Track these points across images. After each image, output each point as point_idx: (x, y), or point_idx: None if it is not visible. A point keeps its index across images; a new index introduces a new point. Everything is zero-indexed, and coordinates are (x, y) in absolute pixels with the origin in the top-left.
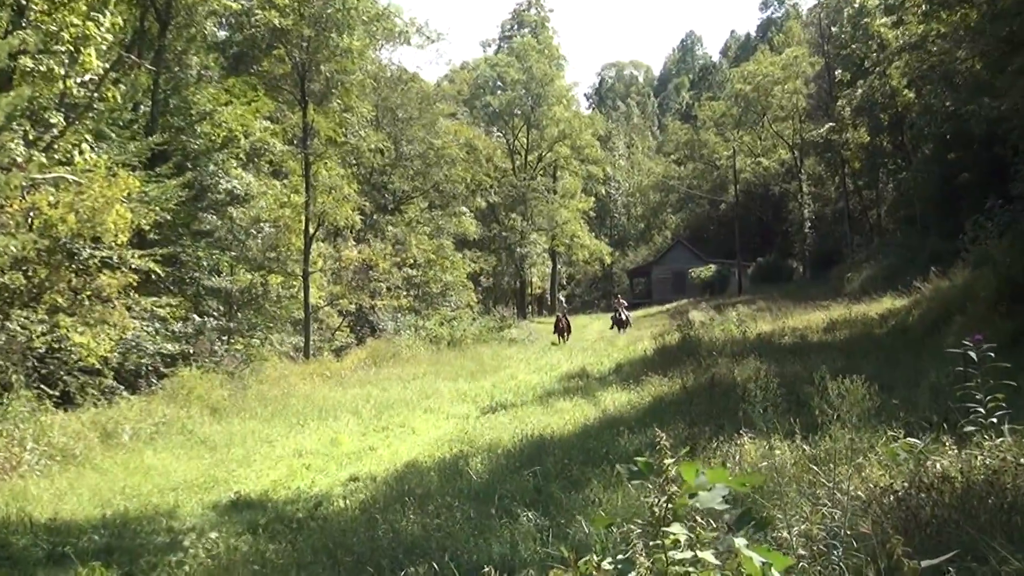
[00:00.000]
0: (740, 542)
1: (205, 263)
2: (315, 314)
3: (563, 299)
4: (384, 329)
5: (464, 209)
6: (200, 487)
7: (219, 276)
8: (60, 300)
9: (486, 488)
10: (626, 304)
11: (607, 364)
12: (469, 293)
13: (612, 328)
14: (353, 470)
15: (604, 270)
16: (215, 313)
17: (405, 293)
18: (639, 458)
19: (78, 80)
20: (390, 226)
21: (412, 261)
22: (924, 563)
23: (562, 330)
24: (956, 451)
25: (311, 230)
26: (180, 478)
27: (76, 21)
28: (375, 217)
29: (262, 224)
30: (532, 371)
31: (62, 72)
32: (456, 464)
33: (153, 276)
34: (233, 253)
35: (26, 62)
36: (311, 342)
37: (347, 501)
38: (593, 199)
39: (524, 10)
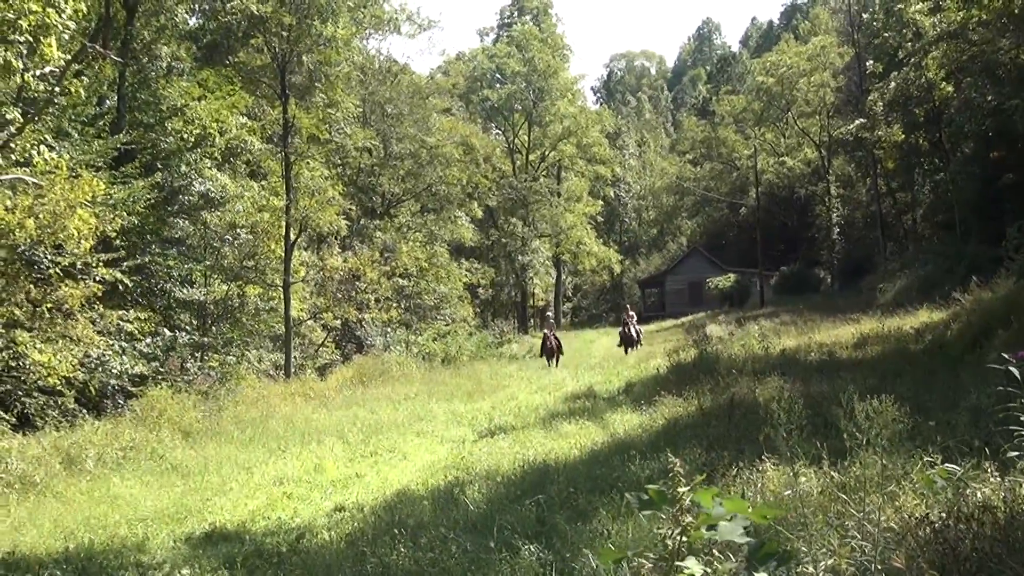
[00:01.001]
0: None
1: (176, 273)
2: (297, 328)
3: (550, 315)
4: (372, 345)
5: (460, 214)
6: (172, 518)
7: (192, 287)
8: (18, 313)
9: (484, 519)
10: (636, 317)
11: (616, 383)
12: (465, 306)
13: (620, 346)
14: (339, 499)
15: (613, 280)
16: (187, 327)
17: (395, 305)
18: (651, 486)
19: (37, 73)
20: (379, 232)
21: (403, 270)
22: None
23: (551, 350)
24: (999, 478)
25: (292, 236)
26: (150, 508)
27: (35, 8)
28: (362, 222)
29: (238, 230)
30: (534, 391)
31: (20, 64)
32: (451, 492)
33: (120, 287)
34: (207, 262)
35: None
36: (292, 359)
37: (332, 533)
38: (601, 202)
39: None
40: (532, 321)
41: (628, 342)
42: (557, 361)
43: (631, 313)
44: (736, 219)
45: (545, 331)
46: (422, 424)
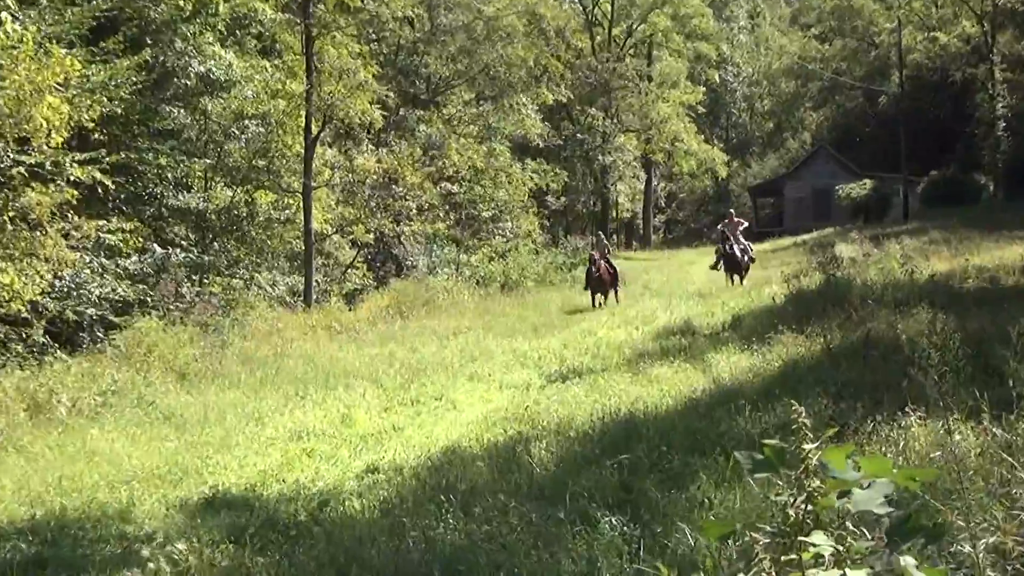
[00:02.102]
0: (908, 560)
1: (170, 174)
2: (319, 245)
3: (602, 235)
4: (413, 266)
5: (525, 102)
6: (163, 479)
7: (188, 192)
8: None
9: (553, 484)
10: (744, 225)
11: (721, 316)
12: (531, 218)
13: (716, 267)
14: (371, 458)
15: (717, 187)
16: (183, 243)
17: (442, 217)
18: (767, 442)
19: None
20: (422, 125)
21: (452, 173)
22: None
23: (600, 281)
24: None
25: (314, 129)
26: (136, 466)
27: None
28: (402, 113)
29: (247, 121)
30: (617, 324)
31: None
32: (513, 451)
33: (99, 192)
34: (208, 161)
35: None
36: (314, 283)
37: (363, 500)
38: (703, 89)
39: None
40: (615, 237)
41: (732, 265)
42: (616, 297)
43: (737, 220)
44: (874, 110)
45: (592, 253)
46: (476, 366)
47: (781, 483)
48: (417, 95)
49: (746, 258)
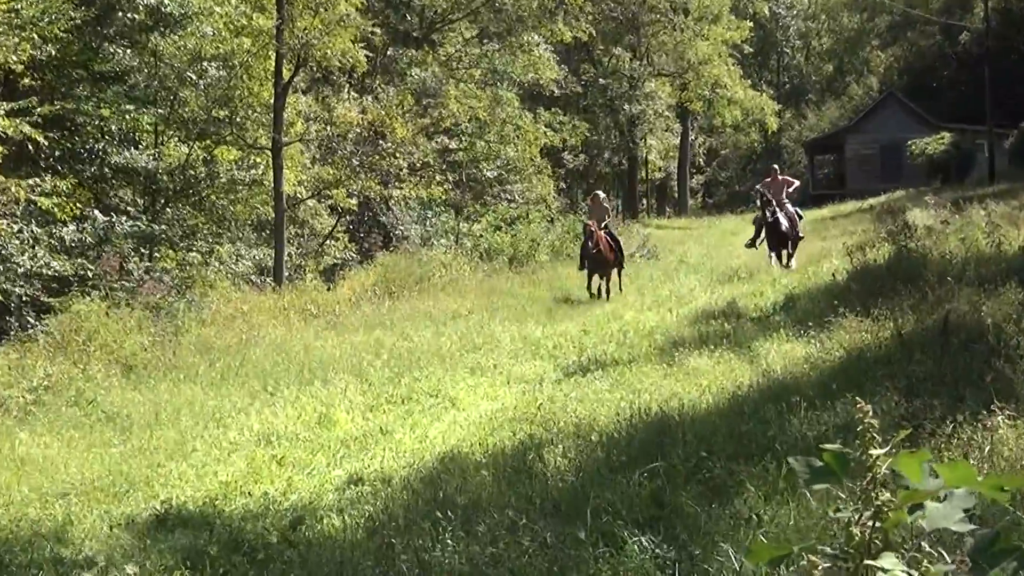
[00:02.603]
0: None
1: (114, 127)
2: (292, 212)
3: (601, 196)
4: (405, 237)
5: (538, 40)
6: (106, 492)
7: (136, 149)
8: None
9: (572, 496)
10: (794, 187)
11: (771, 296)
12: (544, 180)
13: (755, 244)
14: (354, 466)
15: (767, 142)
16: (130, 209)
17: (439, 178)
18: (825, 447)
19: None
20: (415, 68)
21: (451, 125)
22: None
23: (599, 259)
24: None
25: (285, 74)
26: (74, 477)
27: None
28: (390, 53)
29: (205, 64)
30: (648, 306)
31: None
32: (523, 458)
33: (30, 148)
34: (159, 111)
35: None
36: (285, 258)
37: (345, 517)
38: (750, 25)
39: None
40: (645, 202)
41: (777, 239)
42: (619, 282)
43: (784, 180)
44: (953, 50)
45: (587, 223)
46: (479, 355)
47: (843, 496)
48: (409, 32)
49: (795, 230)
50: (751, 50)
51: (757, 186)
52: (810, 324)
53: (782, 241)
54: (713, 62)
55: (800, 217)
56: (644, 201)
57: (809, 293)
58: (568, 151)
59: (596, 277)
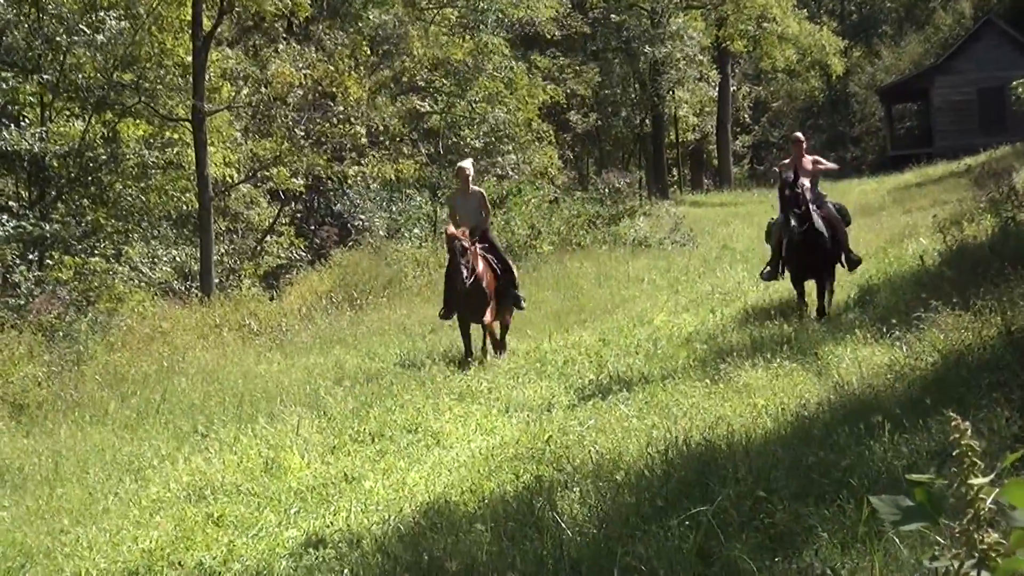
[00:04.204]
0: None
1: None
2: (221, 201)
3: (468, 167)
4: (367, 228)
5: None
6: None
7: (16, 127)
8: None
9: (594, 554)
10: (828, 168)
11: (841, 288)
12: (545, 149)
13: (779, 274)
14: (313, 525)
15: (830, 90)
16: (12, 205)
17: (409, 150)
18: (915, 477)
19: None
20: (372, 8)
21: (422, 81)
22: None
23: (478, 299)
24: None
25: (206, 23)
26: None
27: None
28: None
29: (103, 14)
30: (684, 306)
31: None
32: (529, 507)
33: None
34: (45, 77)
35: None
36: (215, 260)
37: None
38: None
39: None
40: (676, 174)
41: (811, 259)
42: (496, 338)
43: (814, 160)
44: None
45: (454, 236)
46: (468, 377)
47: (940, 540)
48: None
49: (839, 245)
50: None
51: (774, 167)
52: (893, 322)
53: (819, 265)
54: None
55: (847, 221)
56: (675, 172)
57: (891, 283)
58: (575, 110)
59: (462, 326)
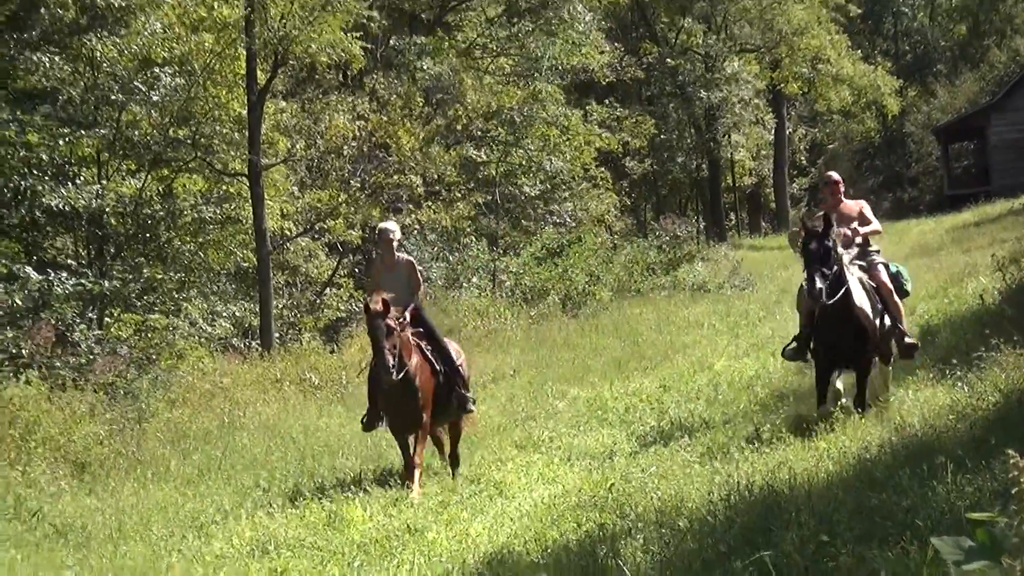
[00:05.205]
0: None
1: (44, 157)
2: (280, 254)
3: (392, 230)
4: (426, 279)
5: (581, 11)
6: None
7: (74, 184)
8: None
9: None
10: (871, 229)
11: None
12: (603, 194)
13: (806, 353)
14: None
15: (886, 129)
16: (71, 263)
17: (463, 197)
18: (975, 516)
19: None
20: (425, 59)
21: (478, 131)
22: None
23: (411, 404)
24: None
25: (261, 78)
26: None
27: None
28: (393, 43)
29: (158, 70)
30: (744, 351)
31: None
32: (593, 554)
33: None
34: (101, 132)
35: None
36: (275, 314)
37: None
38: None
39: None
40: (733, 216)
41: (845, 341)
42: (451, 440)
43: (854, 205)
44: None
45: (374, 316)
46: (530, 427)
47: None
48: (416, 14)
49: (891, 321)
50: (859, 11)
51: (800, 218)
52: (954, 362)
53: (856, 351)
54: (812, 30)
55: (904, 292)
56: (732, 216)
57: (951, 322)
58: (631, 156)
59: (398, 437)
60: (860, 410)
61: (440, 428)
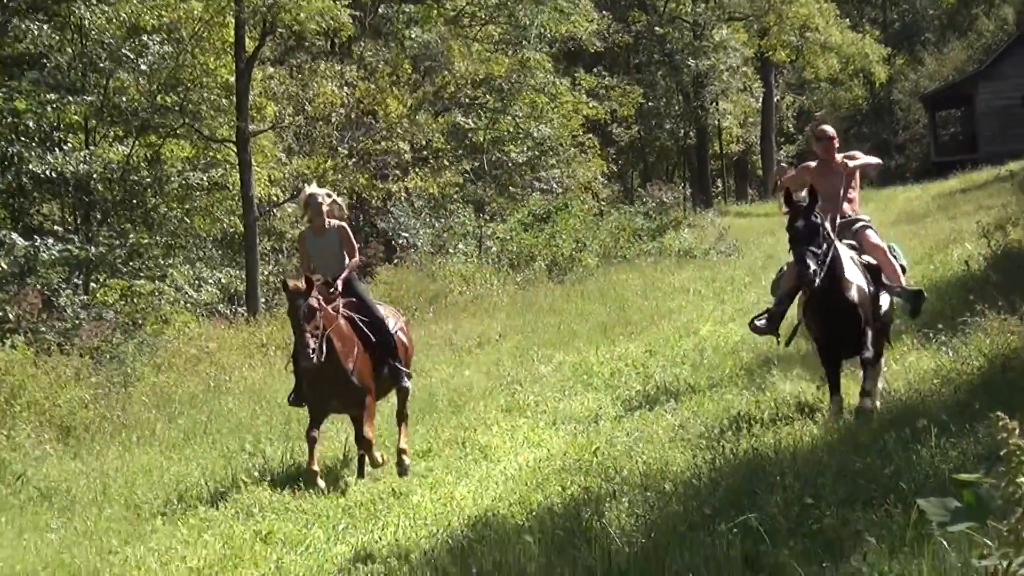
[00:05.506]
0: None
1: (31, 123)
2: (266, 221)
3: (322, 196)
4: (412, 245)
5: None
6: None
7: (61, 151)
8: None
9: (643, 563)
10: (869, 164)
11: None
12: (590, 161)
13: (775, 330)
14: (361, 540)
15: (874, 97)
16: (58, 229)
17: (451, 164)
18: (961, 477)
19: None
20: (414, 27)
21: (464, 95)
22: None
23: (340, 384)
24: None
25: (249, 45)
26: (3, 572)
27: None
28: (381, 11)
29: (146, 38)
30: (730, 316)
31: None
32: (577, 517)
33: None
34: (88, 99)
35: None
36: (261, 280)
37: None
38: None
39: None
40: (720, 183)
41: (835, 325)
42: (401, 428)
43: (843, 162)
44: None
45: (294, 294)
46: (516, 391)
47: (989, 541)
48: None
49: (882, 303)
50: None
51: (778, 177)
52: (939, 328)
53: (855, 335)
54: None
55: (903, 266)
56: (719, 183)
57: (936, 288)
58: (618, 123)
59: (311, 425)
60: (864, 411)
61: (366, 410)
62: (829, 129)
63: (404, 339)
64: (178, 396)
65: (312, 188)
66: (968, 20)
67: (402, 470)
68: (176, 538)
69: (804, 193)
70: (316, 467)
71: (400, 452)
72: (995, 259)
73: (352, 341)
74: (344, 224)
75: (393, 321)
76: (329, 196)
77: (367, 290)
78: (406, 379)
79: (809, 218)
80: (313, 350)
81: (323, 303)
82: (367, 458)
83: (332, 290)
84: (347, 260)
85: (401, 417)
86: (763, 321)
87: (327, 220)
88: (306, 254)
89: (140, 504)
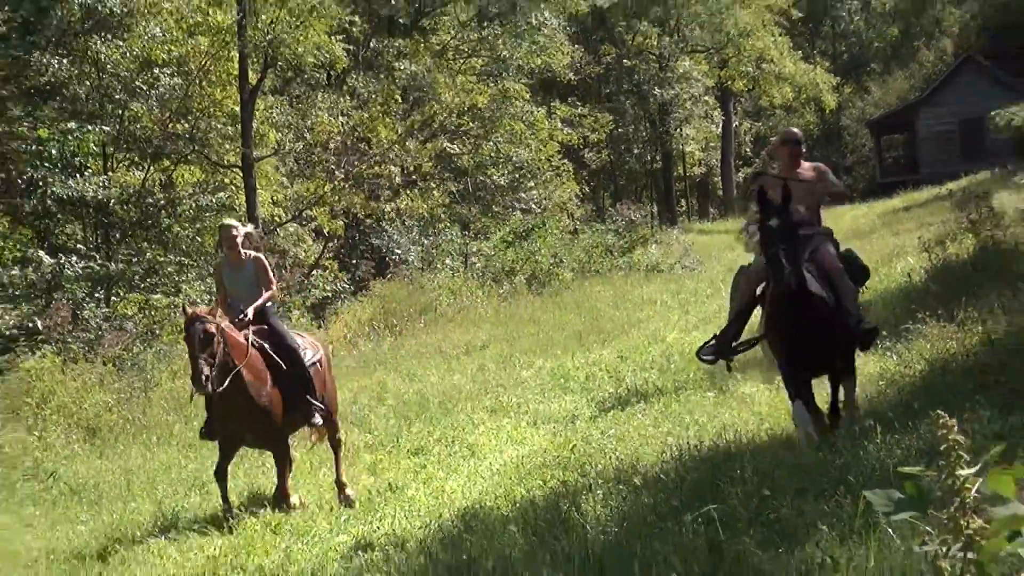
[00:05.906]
0: None
1: (54, 151)
2: (270, 239)
3: (237, 229)
4: (403, 261)
5: (547, 17)
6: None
7: (81, 176)
8: None
9: (616, 550)
10: (832, 186)
11: None
12: (566, 183)
13: (731, 348)
14: (361, 530)
15: (824, 123)
16: (80, 247)
17: (438, 186)
18: (905, 469)
19: None
20: (403, 60)
21: (446, 123)
22: None
23: (247, 420)
24: None
25: (252, 77)
26: (38, 560)
27: None
28: (373, 45)
29: (157, 71)
30: (694, 324)
31: None
32: (556, 509)
33: None
34: (105, 129)
35: None
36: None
37: None
38: None
39: None
40: (684, 204)
41: (806, 342)
42: (337, 464)
43: (814, 167)
44: None
45: (192, 320)
46: (500, 394)
47: (930, 529)
48: (394, 18)
49: (847, 313)
50: (800, 15)
51: (744, 180)
52: (884, 334)
53: (830, 345)
54: (756, 33)
55: (864, 273)
56: (683, 202)
57: (881, 298)
58: (591, 148)
59: (219, 477)
60: (834, 424)
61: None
62: (797, 132)
63: (322, 371)
64: (194, 400)
65: (226, 220)
66: (910, 52)
67: (347, 503)
68: (195, 529)
69: (776, 191)
70: (229, 503)
71: (340, 486)
72: (935, 271)
73: (264, 373)
74: (260, 256)
75: (311, 352)
76: (243, 227)
77: (281, 320)
78: (317, 415)
79: (783, 216)
80: (207, 377)
81: (228, 331)
82: (282, 503)
83: (242, 316)
84: (264, 292)
85: (335, 449)
86: (709, 356)
87: (242, 252)
88: (221, 285)
89: (162, 499)
